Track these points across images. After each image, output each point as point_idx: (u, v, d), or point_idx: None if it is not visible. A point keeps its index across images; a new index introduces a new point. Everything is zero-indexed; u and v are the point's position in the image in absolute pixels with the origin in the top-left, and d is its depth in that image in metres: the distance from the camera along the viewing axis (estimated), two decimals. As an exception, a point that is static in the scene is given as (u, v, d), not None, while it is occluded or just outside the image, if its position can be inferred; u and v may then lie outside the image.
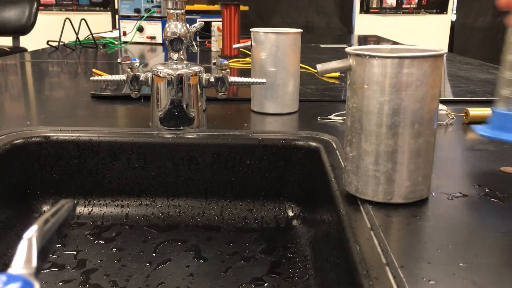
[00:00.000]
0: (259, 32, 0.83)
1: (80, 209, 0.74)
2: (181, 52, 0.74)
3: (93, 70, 1.30)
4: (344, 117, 0.58)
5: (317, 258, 0.61)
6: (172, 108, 0.74)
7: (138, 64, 0.74)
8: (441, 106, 0.81)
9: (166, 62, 0.75)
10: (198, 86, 0.75)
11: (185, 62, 0.75)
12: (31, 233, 0.25)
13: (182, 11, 0.73)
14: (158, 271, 0.61)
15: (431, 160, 0.49)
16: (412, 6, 4.02)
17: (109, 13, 3.52)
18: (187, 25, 0.74)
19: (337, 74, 1.25)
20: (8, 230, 0.67)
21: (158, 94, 0.74)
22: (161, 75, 0.73)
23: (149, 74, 0.74)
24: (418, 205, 0.48)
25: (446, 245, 0.41)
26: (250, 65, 0.88)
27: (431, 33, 3.91)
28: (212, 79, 0.75)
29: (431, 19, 3.99)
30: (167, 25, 0.73)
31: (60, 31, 1.80)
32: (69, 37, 1.95)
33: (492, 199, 0.51)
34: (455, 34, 3.90)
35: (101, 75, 1.16)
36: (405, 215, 0.47)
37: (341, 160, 0.63)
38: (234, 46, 0.89)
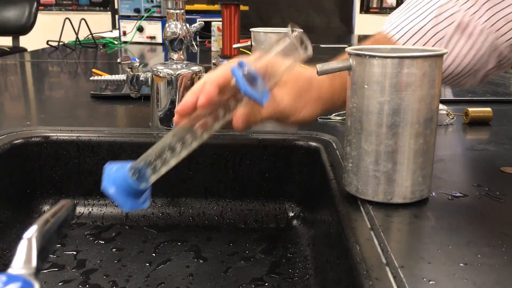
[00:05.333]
0: (259, 32, 0.83)
1: (80, 209, 0.74)
2: (181, 52, 0.74)
3: (93, 70, 1.30)
4: (344, 117, 0.58)
5: (317, 258, 0.61)
6: (172, 108, 0.74)
7: (138, 64, 0.74)
8: (441, 106, 0.81)
9: (166, 62, 0.75)
10: (198, 86, 0.75)
11: (185, 62, 0.75)
12: (31, 233, 0.24)
13: (182, 11, 0.73)
14: (158, 271, 0.61)
15: (431, 160, 0.49)
16: (412, 6, 4.01)
17: (109, 13, 3.52)
18: (187, 25, 0.74)
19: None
20: (8, 230, 0.67)
21: (158, 94, 0.74)
22: (161, 75, 0.73)
23: (149, 74, 0.74)
24: (418, 205, 0.48)
25: (446, 245, 0.41)
26: (250, 65, 0.87)
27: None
28: (212, 79, 0.75)
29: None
30: (167, 25, 0.73)
31: (60, 31, 1.80)
32: (69, 37, 1.95)
33: (492, 199, 0.51)
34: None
35: (101, 75, 1.16)
36: (405, 215, 0.47)
37: (341, 160, 0.63)
38: (234, 46, 0.89)
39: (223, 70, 0.49)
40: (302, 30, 0.46)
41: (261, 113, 0.51)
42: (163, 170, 0.47)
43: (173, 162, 0.47)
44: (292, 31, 0.45)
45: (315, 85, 0.55)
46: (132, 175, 0.46)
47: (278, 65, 0.47)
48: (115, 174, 0.46)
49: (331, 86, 0.56)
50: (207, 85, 0.47)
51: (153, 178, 0.47)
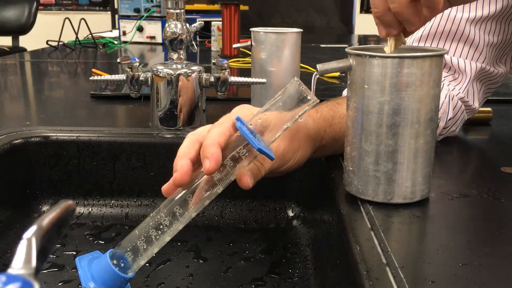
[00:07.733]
0: (259, 31, 0.83)
1: (80, 209, 0.74)
2: (181, 52, 0.74)
3: (93, 70, 1.30)
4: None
5: (317, 258, 0.61)
6: (172, 108, 0.74)
7: (138, 64, 0.74)
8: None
9: (166, 62, 0.74)
10: (198, 86, 0.75)
11: (185, 62, 0.75)
12: (31, 233, 0.24)
13: (182, 10, 0.73)
14: (158, 271, 0.61)
15: (431, 160, 0.49)
16: (412, 6, 4.01)
17: (109, 12, 3.52)
18: (187, 25, 0.74)
19: (337, 74, 1.25)
20: (8, 230, 0.67)
21: (158, 94, 0.74)
22: (161, 75, 0.73)
23: (149, 74, 0.74)
24: (418, 205, 0.48)
25: (446, 245, 0.41)
26: (250, 65, 0.87)
27: (431, 33, 3.90)
28: (212, 79, 0.75)
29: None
30: (167, 24, 0.73)
31: (59, 31, 1.80)
32: (68, 37, 1.95)
33: (492, 199, 0.51)
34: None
35: (101, 75, 1.16)
36: (405, 215, 0.47)
37: (341, 160, 0.63)
38: (234, 46, 0.89)
39: (217, 130, 0.46)
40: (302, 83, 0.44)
41: (264, 165, 0.49)
42: (154, 250, 0.44)
43: (166, 238, 0.45)
44: (295, 82, 0.44)
45: (302, 125, 0.53)
46: (115, 264, 0.43)
47: (278, 120, 0.45)
48: (95, 267, 0.43)
49: (315, 123, 0.55)
50: (210, 147, 0.44)
51: (141, 263, 0.44)
